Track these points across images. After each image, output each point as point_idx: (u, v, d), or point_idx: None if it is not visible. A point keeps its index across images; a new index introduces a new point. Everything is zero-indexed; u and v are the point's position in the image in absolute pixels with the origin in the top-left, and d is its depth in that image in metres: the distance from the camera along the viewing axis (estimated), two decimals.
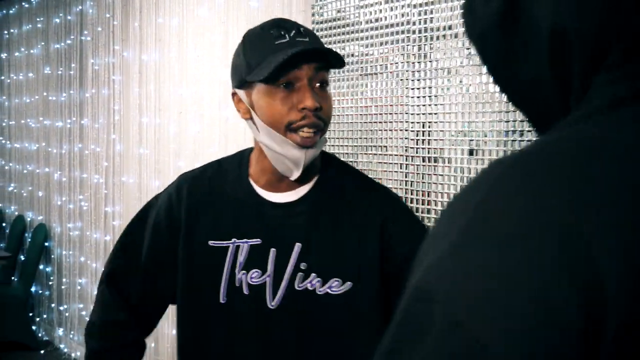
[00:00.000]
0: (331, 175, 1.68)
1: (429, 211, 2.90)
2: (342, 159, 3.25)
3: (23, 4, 6.97)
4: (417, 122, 2.94)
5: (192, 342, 1.68)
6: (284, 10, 3.65)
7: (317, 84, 1.53)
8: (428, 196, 2.89)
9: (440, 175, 2.85)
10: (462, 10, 0.81)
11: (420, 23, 2.92)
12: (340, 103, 3.30)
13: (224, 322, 1.63)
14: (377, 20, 3.12)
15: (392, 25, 3.05)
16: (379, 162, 3.11)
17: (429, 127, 2.89)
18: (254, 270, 1.60)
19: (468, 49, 2.73)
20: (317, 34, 3.37)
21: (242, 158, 1.71)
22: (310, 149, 1.52)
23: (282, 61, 1.45)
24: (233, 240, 1.61)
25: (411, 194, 2.97)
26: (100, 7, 5.56)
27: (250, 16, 3.91)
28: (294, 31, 1.52)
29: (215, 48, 4.20)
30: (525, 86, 0.75)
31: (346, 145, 3.27)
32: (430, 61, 2.89)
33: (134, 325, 1.77)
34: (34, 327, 6.56)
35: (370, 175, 3.12)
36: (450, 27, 2.81)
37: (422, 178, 2.93)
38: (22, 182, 7.12)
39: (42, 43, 6.62)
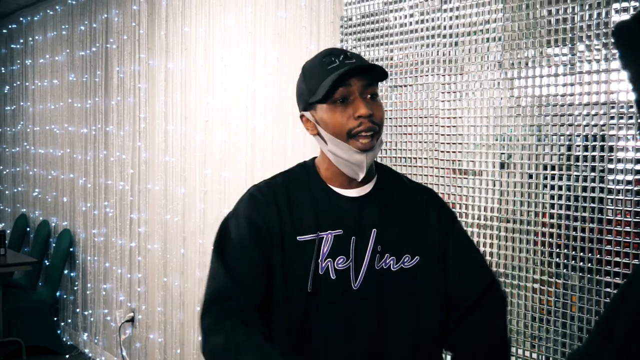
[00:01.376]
0: (387, 174, 1.97)
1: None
2: None
3: (48, 11, 7.04)
4: (448, 134, 2.95)
5: (285, 332, 1.81)
6: (312, 21, 3.68)
7: (368, 96, 1.80)
8: (458, 208, 2.91)
9: (471, 187, 2.86)
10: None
11: (451, 34, 2.93)
12: None
13: (311, 309, 1.80)
14: (406, 32, 3.13)
15: (422, 38, 3.06)
16: (409, 174, 3.13)
17: (460, 139, 2.90)
18: (339, 257, 1.82)
19: (499, 60, 2.75)
20: (346, 44, 3.41)
21: (306, 168, 1.95)
22: (369, 152, 1.80)
23: (332, 82, 1.75)
24: (317, 233, 1.82)
25: None
26: (126, 16, 5.61)
27: (278, 26, 3.94)
28: (342, 56, 1.81)
29: (243, 58, 4.24)
30: None
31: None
32: (460, 74, 2.91)
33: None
34: (58, 332, 6.62)
35: None
36: (481, 31, 2.82)
37: (452, 190, 2.94)
38: (47, 187, 7.19)
39: (67, 50, 6.69)
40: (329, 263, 1.81)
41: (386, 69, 3.22)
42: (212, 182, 4.52)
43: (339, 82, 1.76)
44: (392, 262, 1.85)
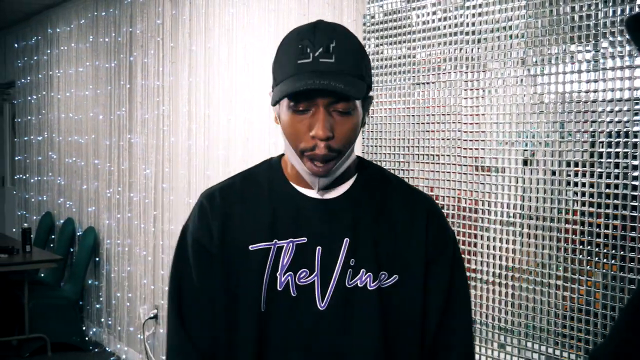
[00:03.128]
0: (371, 174, 1.65)
1: (481, 220, 2.91)
2: (393, 167, 3.32)
3: (73, 22, 7.15)
4: (470, 132, 2.95)
5: (229, 353, 1.58)
6: (335, 19, 3.69)
7: (336, 111, 1.46)
8: (481, 205, 2.91)
9: (493, 184, 2.86)
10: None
11: (474, 31, 2.93)
12: (392, 112, 3.33)
13: (265, 334, 1.54)
14: (429, 30, 3.14)
15: (445, 36, 3.07)
16: (431, 171, 3.13)
17: (482, 136, 2.90)
18: (302, 270, 1.53)
19: (522, 58, 2.74)
20: (369, 42, 3.42)
21: (270, 164, 1.66)
22: (323, 178, 1.51)
23: (289, 92, 1.43)
24: (274, 241, 1.54)
25: (463, 203, 2.99)
26: (150, 29, 5.66)
27: (300, 24, 3.95)
28: (321, 49, 1.44)
29: (265, 56, 4.25)
30: None
31: (398, 154, 3.30)
32: (484, 71, 2.91)
33: None
34: (83, 328, 6.69)
35: (421, 184, 3.17)
36: (504, 28, 2.82)
37: (474, 187, 2.94)
38: (72, 197, 7.27)
39: (95, 61, 6.75)
40: (289, 277, 1.53)
41: (406, 65, 3.24)
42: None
43: (299, 94, 1.43)
44: (368, 279, 1.54)
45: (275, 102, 1.48)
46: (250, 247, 1.54)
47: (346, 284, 1.53)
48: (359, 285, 1.54)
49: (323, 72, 1.43)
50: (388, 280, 1.56)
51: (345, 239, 1.54)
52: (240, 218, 1.57)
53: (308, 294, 1.53)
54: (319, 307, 1.52)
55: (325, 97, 1.43)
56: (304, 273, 1.53)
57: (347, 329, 1.53)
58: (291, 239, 1.54)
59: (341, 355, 1.53)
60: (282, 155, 1.64)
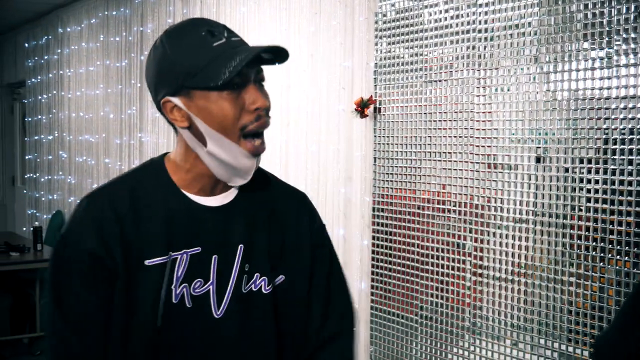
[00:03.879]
0: (254, 176, 1.57)
1: (493, 217, 2.92)
2: (406, 164, 3.33)
3: (83, 22, 7.18)
4: (482, 129, 2.96)
5: None
6: (347, 17, 3.70)
7: (259, 83, 1.48)
8: (493, 202, 2.91)
9: (506, 181, 2.87)
10: None
11: (482, 22, 2.94)
12: (404, 109, 3.34)
13: (161, 348, 1.47)
14: (441, 27, 3.15)
15: (457, 33, 3.07)
16: (443, 169, 3.14)
17: (494, 133, 2.91)
18: (196, 280, 1.49)
19: (535, 55, 2.75)
20: (380, 40, 3.43)
21: (156, 169, 1.55)
22: (259, 157, 1.50)
23: (233, 68, 1.38)
24: (170, 254, 1.47)
25: (476, 200, 3.00)
26: (161, 28, 5.67)
27: (312, 23, 3.96)
28: (226, 31, 1.44)
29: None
30: None
31: (410, 151, 3.31)
32: (496, 68, 2.91)
33: None
34: None
35: (433, 181, 3.18)
36: (517, 26, 2.82)
37: (487, 184, 2.95)
38: (83, 194, 7.27)
39: (106, 60, 6.77)
40: (184, 289, 1.47)
41: (417, 63, 3.24)
42: None
43: (243, 67, 1.39)
44: (263, 283, 1.54)
45: (218, 85, 1.39)
46: (146, 262, 1.45)
47: (242, 290, 1.52)
48: (253, 289, 1.53)
49: (242, 46, 1.43)
50: (279, 280, 1.57)
51: (240, 245, 1.53)
52: (134, 229, 1.46)
53: (204, 302, 1.49)
54: (215, 315, 1.50)
55: (260, 64, 1.45)
56: (199, 283, 1.49)
57: (245, 334, 1.52)
58: (185, 250, 1.48)
59: (241, 358, 1.53)
60: (165, 154, 1.58)
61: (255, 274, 1.54)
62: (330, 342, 1.65)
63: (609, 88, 2.49)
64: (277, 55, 1.48)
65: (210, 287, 1.49)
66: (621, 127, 2.45)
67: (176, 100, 1.45)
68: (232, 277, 1.51)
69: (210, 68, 1.39)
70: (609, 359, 1.06)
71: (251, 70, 1.44)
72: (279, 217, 1.61)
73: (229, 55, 1.39)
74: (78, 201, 1.52)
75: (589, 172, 2.55)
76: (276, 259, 1.57)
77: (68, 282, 1.45)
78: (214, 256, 1.50)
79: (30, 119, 8.85)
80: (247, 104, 1.43)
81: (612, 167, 2.47)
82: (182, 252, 1.47)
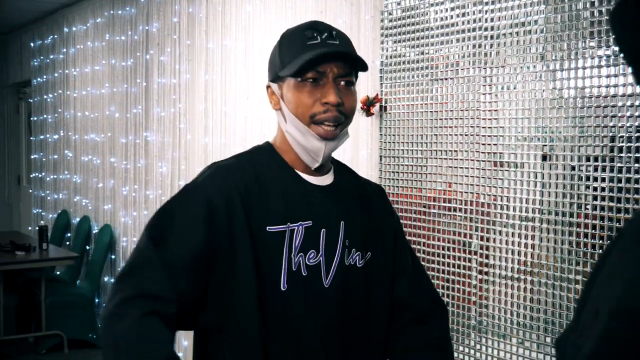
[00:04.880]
0: (340, 166, 1.86)
1: (499, 215, 2.91)
2: (411, 163, 3.32)
3: (89, 21, 7.18)
4: (489, 127, 2.95)
5: (255, 333, 1.61)
6: (352, 16, 3.70)
7: (342, 83, 1.66)
8: (500, 201, 2.91)
9: (512, 180, 2.86)
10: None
11: (491, 28, 2.93)
12: (410, 108, 3.33)
13: (286, 310, 1.63)
14: (448, 25, 3.14)
15: (463, 32, 3.07)
16: (449, 167, 3.14)
17: (501, 131, 2.90)
18: (310, 251, 1.67)
19: (541, 53, 2.74)
20: (386, 39, 3.42)
21: (267, 150, 1.77)
22: (330, 142, 1.66)
23: (309, 59, 1.59)
24: (288, 224, 1.65)
25: (482, 198, 2.99)
26: (167, 27, 5.68)
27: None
28: (326, 34, 1.66)
29: None
30: None
31: (416, 150, 3.30)
32: (502, 66, 2.91)
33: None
34: (99, 325, 6.70)
35: (439, 180, 3.17)
36: (523, 24, 2.82)
37: (493, 183, 2.94)
38: (89, 194, 7.30)
39: (112, 60, 6.78)
40: (300, 258, 1.66)
41: (423, 62, 3.24)
42: None
43: (313, 62, 1.61)
44: (357, 257, 1.74)
45: (292, 74, 1.62)
46: (268, 229, 1.63)
47: (344, 262, 1.71)
48: (351, 262, 1.73)
49: (332, 46, 1.64)
50: (367, 257, 1.76)
51: (342, 222, 1.72)
52: (258, 198, 1.65)
53: (316, 273, 1.67)
54: (324, 284, 1.68)
55: (339, 64, 1.64)
56: (312, 254, 1.67)
57: (345, 304, 1.70)
58: (301, 222, 1.66)
59: (340, 327, 1.70)
60: (269, 144, 1.79)
61: (352, 249, 1.73)
62: (424, 321, 1.84)
63: (615, 86, 2.49)
64: (354, 62, 1.68)
65: (321, 258, 1.68)
66: (628, 124, 2.44)
67: (273, 86, 1.72)
68: (337, 250, 1.70)
69: (294, 61, 1.62)
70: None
71: (330, 69, 1.63)
72: (365, 202, 1.82)
73: (310, 53, 1.61)
74: (209, 165, 1.73)
75: (596, 170, 2.55)
76: (366, 237, 1.77)
77: (176, 224, 1.59)
78: (322, 230, 1.69)
79: (35, 119, 8.87)
80: (321, 97, 1.63)
81: (619, 164, 2.46)
82: (298, 224, 1.66)
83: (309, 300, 1.65)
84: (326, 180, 1.76)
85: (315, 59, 1.60)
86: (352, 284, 1.72)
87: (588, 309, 0.77)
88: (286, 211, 1.66)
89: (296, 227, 1.66)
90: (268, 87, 1.75)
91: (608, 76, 2.51)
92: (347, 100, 1.66)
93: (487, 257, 2.96)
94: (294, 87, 1.65)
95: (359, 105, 3.55)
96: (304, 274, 1.65)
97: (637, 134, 2.42)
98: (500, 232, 2.91)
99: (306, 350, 1.65)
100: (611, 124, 2.50)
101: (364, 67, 1.68)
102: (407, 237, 3.33)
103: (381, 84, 3.50)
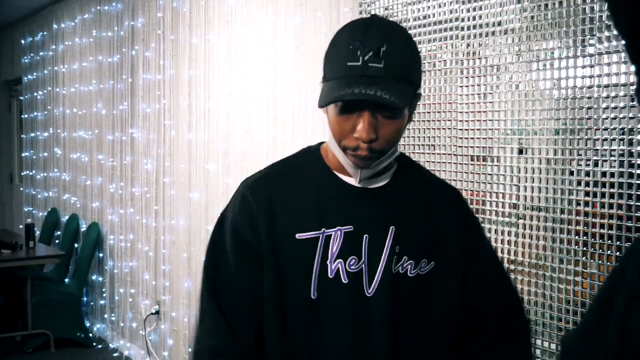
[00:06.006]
0: (407, 165, 1.71)
1: (477, 211, 2.85)
2: None
3: (77, 17, 7.14)
4: (466, 120, 2.89)
5: (281, 345, 1.60)
6: (332, 10, 3.63)
7: (380, 115, 1.49)
8: (476, 195, 2.84)
9: (489, 174, 2.80)
10: None
11: (469, 20, 2.87)
12: None
13: (316, 320, 1.58)
14: (425, 17, 3.08)
15: (440, 22, 3.00)
16: (427, 161, 3.07)
17: (478, 125, 2.84)
18: (351, 257, 1.57)
19: (518, 45, 2.68)
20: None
21: (310, 153, 1.69)
22: (365, 170, 1.56)
23: (335, 101, 1.45)
24: (322, 230, 1.57)
25: (464, 194, 2.92)
26: (152, 23, 5.63)
27: (299, 14, 3.90)
28: (371, 52, 1.44)
29: (264, 48, 4.21)
30: None
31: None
32: (479, 58, 2.85)
33: None
34: (87, 324, 6.66)
35: None
36: (499, 23, 2.76)
37: (471, 177, 2.88)
38: (77, 192, 7.26)
39: (98, 56, 6.73)
40: (339, 264, 1.57)
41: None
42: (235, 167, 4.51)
43: (346, 102, 1.47)
44: (409, 266, 1.61)
45: (323, 106, 1.49)
46: (297, 236, 1.57)
47: (392, 270, 1.59)
48: (400, 271, 1.60)
49: (371, 77, 1.44)
50: (427, 267, 1.62)
51: (391, 227, 1.59)
52: (286, 207, 1.59)
53: (357, 280, 1.57)
54: (367, 293, 1.57)
55: (372, 104, 1.46)
56: (354, 260, 1.57)
57: (395, 314, 1.59)
58: (339, 227, 1.57)
59: (389, 340, 1.58)
60: (321, 143, 1.70)
61: (404, 257, 1.60)
62: (499, 348, 1.70)
63: (591, 76, 2.42)
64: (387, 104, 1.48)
65: (363, 265, 1.58)
66: (604, 116, 2.38)
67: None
68: (383, 257, 1.58)
69: (329, 85, 1.48)
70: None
71: (368, 105, 1.46)
72: (430, 207, 1.67)
73: (346, 83, 1.43)
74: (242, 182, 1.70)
75: (571, 163, 2.48)
76: (425, 246, 1.63)
77: (223, 257, 1.62)
78: (364, 235, 1.58)
79: (26, 116, 8.82)
80: (353, 129, 1.49)
81: (595, 158, 2.40)
82: (336, 229, 1.57)
83: (348, 309, 1.57)
84: (377, 182, 1.63)
85: (345, 101, 1.45)
86: (401, 295, 1.60)
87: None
88: (320, 215, 1.58)
89: (333, 233, 1.57)
90: (320, 84, 1.58)
91: (583, 67, 2.45)
92: (383, 133, 1.49)
93: None
94: (334, 107, 1.50)
95: None
96: (344, 281, 1.57)
97: (613, 126, 2.35)
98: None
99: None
100: (586, 116, 2.43)
101: (402, 105, 1.46)
102: None
103: None
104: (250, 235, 1.58)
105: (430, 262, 1.62)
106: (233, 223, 1.61)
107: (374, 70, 1.44)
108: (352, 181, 1.61)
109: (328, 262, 1.56)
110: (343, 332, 1.57)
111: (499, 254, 2.74)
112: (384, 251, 1.58)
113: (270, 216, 1.58)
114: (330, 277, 1.56)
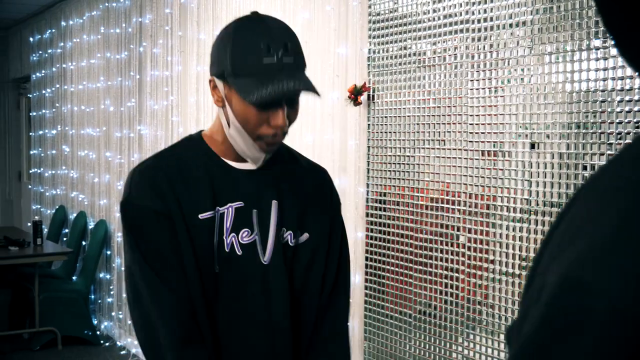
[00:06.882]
0: (281, 149, 1.83)
1: (488, 207, 2.81)
2: (400, 153, 3.22)
3: (85, 14, 7.12)
4: (477, 115, 2.85)
5: (194, 317, 1.70)
6: (340, 4, 3.60)
7: (291, 102, 1.66)
8: (487, 191, 2.81)
9: (500, 169, 2.76)
10: None
11: (479, 12, 2.83)
12: (398, 96, 3.23)
13: (220, 291, 1.71)
14: (434, 10, 3.04)
15: (450, 16, 2.96)
16: (437, 157, 3.04)
17: (489, 119, 2.80)
18: (243, 230, 1.73)
19: (530, 38, 2.64)
20: (374, 25, 3.33)
21: (195, 141, 1.80)
22: (268, 154, 1.73)
23: (269, 96, 1.57)
24: (217, 208, 1.71)
25: (470, 189, 2.89)
26: (160, 19, 5.60)
27: (306, 8, 3.87)
28: (281, 50, 1.59)
29: None
30: None
31: (404, 140, 3.21)
32: (490, 52, 2.81)
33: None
34: (94, 322, 6.65)
35: (428, 170, 3.07)
36: (511, 17, 2.72)
37: (481, 172, 2.84)
38: (85, 190, 7.25)
39: (106, 53, 6.70)
40: (233, 238, 1.72)
41: (411, 49, 3.13)
42: None
43: (273, 95, 1.59)
44: (289, 236, 1.79)
45: (256, 103, 1.60)
46: (200, 216, 1.70)
47: (280, 240, 1.77)
48: (284, 241, 1.78)
49: (288, 71, 1.59)
50: (303, 238, 1.81)
51: (274, 202, 1.77)
52: (184, 190, 1.70)
53: (251, 251, 1.73)
54: (263, 261, 1.74)
55: (291, 97, 1.64)
56: (246, 233, 1.73)
57: (288, 278, 1.77)
58: (229, 204, 1.72)
59: (287, 302, 1.76)
60: (201, 131, 1.82)
61: (284, 228, 1.78)
62: (328, 342, 1.87)
63: (604, 80, 2.38)
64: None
65: (256, 237, 1.74)
66: (618, 110, 2.34)
67: (219, 83, 1.69)
68: (271, 229, 1.75)
69: (248, 81, 1.59)
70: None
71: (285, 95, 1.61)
72: (302, 185, 1.85)
73: (267, 79, 1.57)
74: (130, 171, 1.77)
75: (584, 158, 2.44)
76: (300, 219, 1.81)
77: (141, 231, 1.69)
78: (254, 210, 1.74)
79: (35, 114, 8.81)
80: (269, 119, 1.63)
81: (609, 152, 2.36)
82: (227, 206, 1.72)
83: (247, 278, 1.73)
84: (254, 165, 1.77)
85: (275, 97, 1.58)
86: (287, 262, 1.78)
87: (533, 288, 0.67)
88: (214, 197, 1.71)
89: (225, 210, 1.72)
90: (211, 80, 1.72)
91: (597, 70, 2.41)
92: (291, 118, 1.67)
93: (475, 250, 2.86)
94: (243, 103, 1.63)
95: (346, 94, 3.45)
96: (238, 253, 1.72)
97: (628, 120, 2.31)
98: (492, 224, 2.81)
99: (252, 328, 1.74)
100: (607, 120, 2.39)
101: (318, 92, 1.65)
102: (395, 230, 3.27)
103: (369, 72, 3.40)
104: (165, 210, 1.68)
105: (303, 233, 1.81)
106: (144, 201, 1.69)
107: (288, 65, 1.60)
108: (238, 165, 1.76)
109: (224, 237, 1.71)
110: (246, 301, 1.73)
111: (511, 251, 2.71)
112: (272, 223, 1.76)
113: (175, 198, 1.68)
114: (227, 250, 1.71)
